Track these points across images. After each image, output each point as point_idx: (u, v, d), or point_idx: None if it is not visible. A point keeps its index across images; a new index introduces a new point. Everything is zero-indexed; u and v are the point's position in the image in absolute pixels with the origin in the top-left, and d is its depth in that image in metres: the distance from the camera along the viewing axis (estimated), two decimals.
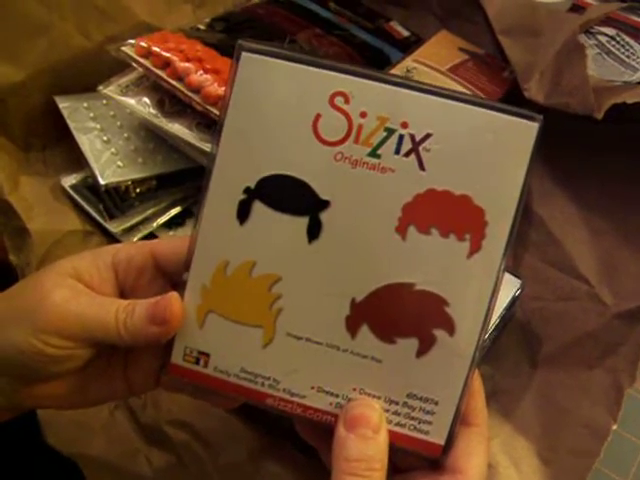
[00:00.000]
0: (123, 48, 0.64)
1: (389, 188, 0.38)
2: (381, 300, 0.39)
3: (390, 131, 0.38)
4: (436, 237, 0.38)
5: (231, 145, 0.40)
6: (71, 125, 0.66)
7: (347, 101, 0.38)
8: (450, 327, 0.39)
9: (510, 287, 0.58)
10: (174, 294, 0.40)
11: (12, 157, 0.66)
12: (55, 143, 0.69)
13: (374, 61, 0.73)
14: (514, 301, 0.58)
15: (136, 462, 0.53)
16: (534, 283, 0.61)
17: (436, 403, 0.39)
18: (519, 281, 0.58)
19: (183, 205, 0.65)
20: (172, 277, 0.43)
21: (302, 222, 0.39)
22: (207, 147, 0.60)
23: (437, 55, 0.72)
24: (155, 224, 0.64)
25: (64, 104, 0.67)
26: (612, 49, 0.76)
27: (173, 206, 0.65)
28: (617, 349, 0.56)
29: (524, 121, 0.37)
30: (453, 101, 0.38)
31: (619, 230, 0.64)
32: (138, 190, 0.63)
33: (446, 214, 0.38)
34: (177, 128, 0.62)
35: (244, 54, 0.39)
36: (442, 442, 0.39)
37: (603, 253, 0.63)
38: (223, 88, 0.60)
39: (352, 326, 0.40)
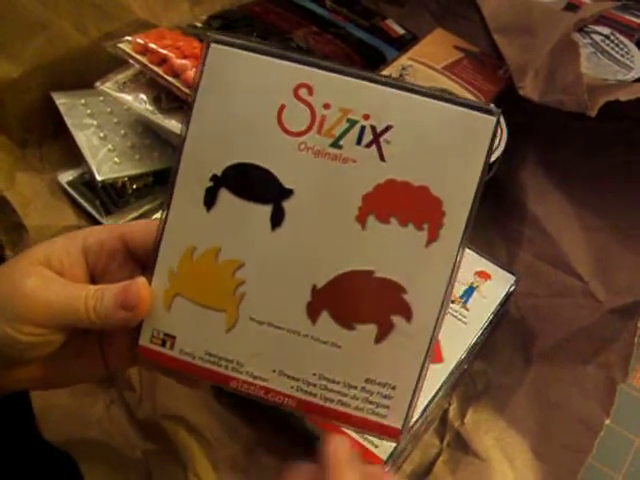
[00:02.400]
0: (120, 45, 0.64)
1: (350, 178, 0.39)
2: (341, 287, 0.40)
3: (352, 122, 0.39)
4: (395, 226, 0.39)
5: (199, 132, 0.41)
6: (68, 121, 0.66)
7: (310, 93, 0.40)
8: (407, 313, 0.40)
9: (504, 283, 0.59)
10: (142, 279, 0.40)
11: (9, 153, 0.66)
12: (52, 139, 0.69)
13: (370, 59, 0.73)
14: (508, 297, 0.58)
15: (132, 456, 0.53)
16: (528, 279, 0.62)
17: (393, 388, 0.40)
18: (513, 277, 0.59)
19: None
20: (142, 261, 0.43)
21: (266, 210, 0.40)
22: None
23: (433, 53, 0.73)
24: None
25: (61, 100, 0.68)
26: (606, 48, 0.76)
27: None
28: (610, 345, 0.57)
29: (482, 115, 0.39)
30: (414, 94, 0.39)
31: (612, 227, 0.64)
32: (135, 186, 0.64)
33: (405, 204, 0.39)
34: (173, 124, 0.62)
35: (212, 45, 0.40)
36: (399, 425, 0.40)
37: (597, 250, 0.64)
38: None
39: (313, 312, 0.40)
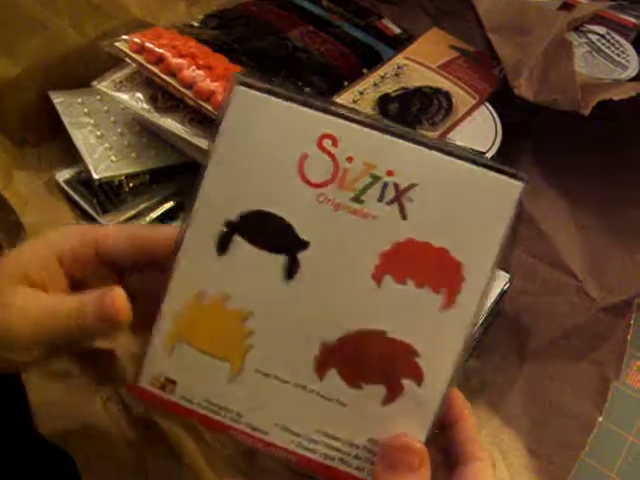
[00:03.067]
0: (117, 44, 0.64)
1: (369, 234, 0.38)
2: (351, 345, 0.39)
3: (375, 178, 0.38)
4: (411, 287, 0.38)
5: (217, 175, 0.40)
6: (65, 120, 0.66)
7: (335, 144, 0.38)
8: (419, 378, 0.39)
9: (498, 281, 0.59)
10: (117, 289, 0.40)
11: (6, 152, 0.66)
12: (49, 138, 0.69)
13: (366, 58, 0.73)
14: (502, 295, 0.58)
15: (128, 454, 0.53)
16: (522, 277, 0.62)
17: None
18: (507, 275, 0.59)
19: (176, 200, 0.66)
20: (117, 266, 0.43)
21: (280, 260, 0.39)
22: (199, 142, 0.61)
23: (428, 52, 0.73)
24: (148, 218, 0.65)
25: (58, 99, 0.68)
26: (602, 47, 0.76)
27: (166, 201, 0.66)
28: (603, 343, 0.57)
29: (508, 179, 0.38)
30: (441, 153, 0.38)
31: (606, 226, 0.65)
32: (131, 185, 0.64)
33: (423, 265, 0.38)
34: (170, 123, 0.62)
35: (237, 87, 0.39)
36: None
37: (591, 248, 0.64)
38: (215, 84, 0.61)
39: (320, 368, 0.39)
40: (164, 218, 0.65)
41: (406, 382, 0.39)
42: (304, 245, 0.39)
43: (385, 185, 0.38)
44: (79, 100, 0.68)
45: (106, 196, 0.63)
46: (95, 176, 0.62)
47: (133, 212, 0.64)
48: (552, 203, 0.67)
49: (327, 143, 0.39)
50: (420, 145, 0.38)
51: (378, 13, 0.83)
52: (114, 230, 0.44)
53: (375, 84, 0.67)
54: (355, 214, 0.38)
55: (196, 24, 0.71)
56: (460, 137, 0.66)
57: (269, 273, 0.39)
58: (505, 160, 0.68)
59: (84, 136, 0.65)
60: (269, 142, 0.39)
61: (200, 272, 0.40)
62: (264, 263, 0.39)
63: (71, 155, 0.66)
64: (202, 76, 0.61)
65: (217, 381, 0.40)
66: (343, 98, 0.65)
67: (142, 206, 0.65)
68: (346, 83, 0.68)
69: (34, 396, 0.53)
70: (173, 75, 0.62)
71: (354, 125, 0.38)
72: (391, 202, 0.38)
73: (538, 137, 0.71)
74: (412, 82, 0.69)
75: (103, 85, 0.64)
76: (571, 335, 0.59)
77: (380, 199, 0.38)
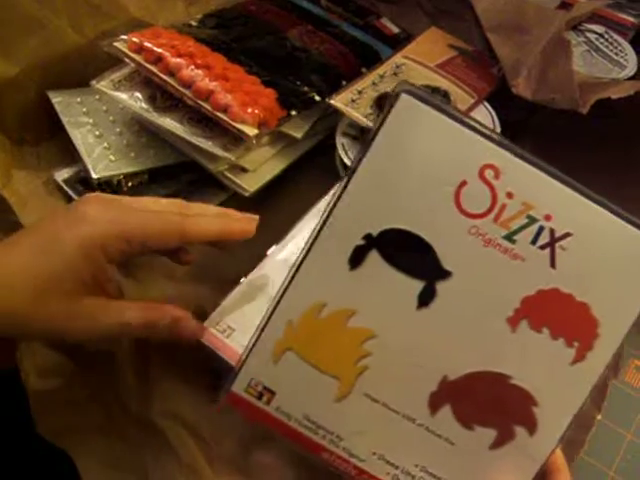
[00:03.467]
0: (116, 44, 0.64)
1: (515, 276, 0.37)
2: (473, 384, 0.38)
3: (532, 220, 0.37)
4: (546, 337, 0.38)
5: (364, 184, 0.38)
6: (64, 120, 0.66)
7: (497, 177, 0.37)
8: (532, 427, 0.38)
9: None
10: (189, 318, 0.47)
11: (5, 151, 0.66)
12: (48, 137, 0.69)
13: (364, 57, 0.74)
14: None
15: (128, 453, 0.53)
16: None
17: None
18: None
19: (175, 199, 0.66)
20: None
21: (416, 286, 0.38)
22: (198, 141, 0.61)
23: (426, 51, 0.73)
24: None
25: (57, 99, 0.68)
26: (601, 46, 0.76)
27: None
28: None
29: None
30: (603, 209, 0.38)
31: None
32: (130, 184, 0.64)
33: (562, 317, 0.38)
34: (169, 122, 0.62)
35: (403, 95, 0.36)
36: None
37: None
38: (214, 83, 0.61)
39: (435, 403, 0.39)
40: None
41: (518, 429, 0.38)
42: (446, 275, 0.38)
43: (541, 229, 0.37)
44: (78, 100, 0.68)
45: None
46: (94, 175, 0.62)
47: None
48: None
49: (489, 174, 0.37)
50: (584, 196, 0.37)
51: (377, 12, 0.83)
52: (139, 217, 0.46)
53: (374, 83, 0.67)
54: (505, 253, 0.37)
55: (195, 24, 0.71)
56: None
57: (402, 297, 0.38)
58: None
59: (83, 135, 0.65)
60: (428, 161, 0.37)
61: (325, 283, 0.39)
62: (399, 285, 0.38)
63: (70, 155, 0.66)
64: (201, 75, 0.61)
65: (321, 399, 0.39)
66: (342, 97, 0.65)
67: None
68: (345, 82, 0.68)
69: (34, 396, 0.53)
70: (172, 74, 0.62)
71: (520, 161, 0.37)
72: (544, 247, 0.37)
73: (537, 136, 0.71)
74: (411, 81, 0.68)
75: (102, 85, 0.64)
76: None
77: (533, 242, 0.37)
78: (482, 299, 0.38)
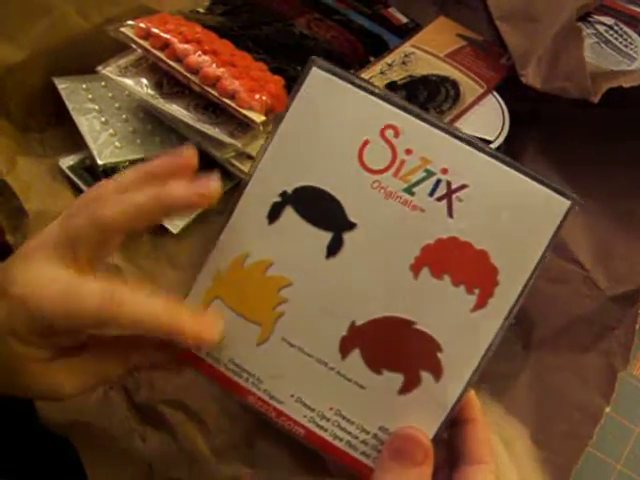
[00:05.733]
0: (122, 29, 0.64)
1: (415, 226, 0.40)
2: (379, 329, 0.40)
3: (429, 173, 0.40)
4: (447, 284, 0.39)
5: (280, 148, 0.42)
6: (69, 106, 0.66)
7: (397, 135, 0.40)
8: (437, 372, 0.39)
9: None
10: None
11: (10, 138, 0.66)
12: (53, 124, 0.69)
13: (372, 46, 0.73)
14: None
15: (131, 442, 0.53)
16: None
17: None
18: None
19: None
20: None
21: (325, 237, 0.41)
22: (204, 128, 0.61)
23: (435, 41, 0.73)
24: None
25: (63, 85, 0.67)
26: (610, 38, 0.76)
27: None
28: (611, 332, 0.56)
29: (558, 196, 0.39)
30: (497, 161, 0.39)
31: (614, 215, 0.64)
32: None
33: (462, 265, 0.39)
34: (175, 109, 0.62)
35: (314, 69, 0.41)
36: None
37: (598, 237, 0.63)
38: (221, 69, 0.60)
39: (345, 347, 0.41)
40: None
41: (424, 374, 0.40)
42: (351, 226, 0.40)
43: (438, 182, 0.39)
44: (84, 86, 0.68)
45: None
46: (99, 162, 0.62)
47: None
48: None
49: (389, 133, 0.40)
50: (478, 150, 0.39)
51: (384, 1, 0.82)
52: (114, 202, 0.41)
53: (382, 72, 0.67)
54: (405, 204, 0.40)
55: (202, 10, 0.71)
56: (467, 126, 0.65)
57: (313, 247, 0.41)
58: (512, 149, 0.68)
59: (88, 122, 0.65)
60: (335, 124, 0.41)
61: (248, 236, 0.42)
62: (310, 237, 0.41)
63: (75, 141, 0.66)
64: (208, 61, 0.61)
65: (245, 343, 0.42)
66: None
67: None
68: (352, 71, 0.68)
69: None
70: (179, 60, 0.62)
71: (419, 121, 0.40)
72: (441, 198, 0.39)
73: (546, 126, 0.71)
74: (419, 70, 0.68)
75: (108, 70, 0.64)
76: (578, 325, 0.59)
77: (431, 194, 0.40)
78: (385, 248, 0.40)
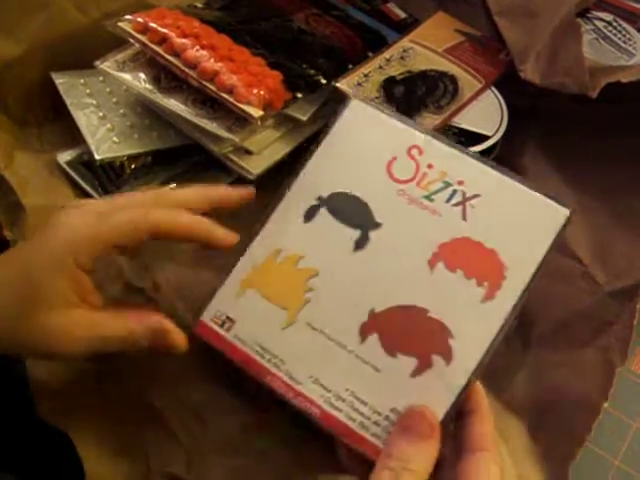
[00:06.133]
0: (120, 24, 0.64)
1: (433, 227, 0.46)
2: (396, 316, 0.45)
3: (447, 184, 0.47)
4: (459, 277, 0.45)
5: (320, 161, 0.50)
6: (67, 101, 0.66)
7: (420, 154, 0.48)
8: (448, 356, 0.43)
9: None
10: (169, 326, 0.47)
11: (8, 132, 0.66)
12: (51, 119, 0.69)
13: (371, 42, 0.73)
14: None
15: (127, 435, 0.53)
16: None
17: None
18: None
19: (178, 181, 0.65)
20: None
21: (354, 234, 0.47)
22: (202, 123, 0.61)
23: (434, 36, 0.73)
24: None
25: (61, 80, 0.67)
26: (609, 34, 0.76)
27: (168, 182, 0.65)
28: (609, 328, 0.56)
29: (557, 205, 0.46)
30: (506, 176, 0.47)
31: (612, 210, 0.64)
32: (133, 166, 0.63)
33: (473, 261, 0.45)
34: (173, 104, 0.62)
35: (353, 100, 0.51)
36: None
37: (596, 233, 0.63)
38: (219, 64, 0.60)
39: (364, 332, 0.45)
40: None
41: (436, 358, 0.44)
42: (377, 225, 0.47)
43: (454, 191, 0.47)
44: (81, 81, 0.68)
45: (107, 177, 0.63)
46: (97, 157, 0.62)
47: None
48: (558, 188, 0.67)
49: (414, 152, 0.48)
50: (490, 167, 0.47)
51: None
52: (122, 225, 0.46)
53: (380, 67, 0.67)
54: (425, 209, 0.47)
55: (200, 5, 0.71)
56: (466, 121, 0.65)
57: (342, 242, 0.47)
58: (511, 145, 0.68)
59: (86, 117, 0.65)
60: (369, 144, 0.49)
61: (284, 233, 0.48)
62: (340, 233, 0.47)
63: (73, 136, 0.66)
64: (206, 56, 0.61)
65: (272, 326, 0.46)
66: (348, 80, 0.64)
67: (144, 188, 0.64)
68: (351, 66, 0.68)
69: (34, 377, 0.53)
70: (177, 55, 0.62)
71: (440, 143, 0.48)
72: (456, 205, 0.46)
73: (544, 122, 0.71)
74: (417, 65, 0.68)
75: (106, 65, 0.64)
76: (576, 320, 0.59)
77: (447, 201, 0.47)
78: (406, 244, 0.46)
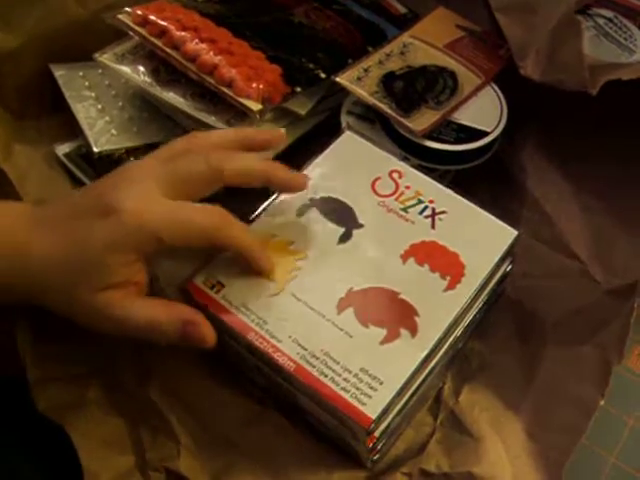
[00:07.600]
0: (119, 16, 0.64)
1: (406, 230, 0.55)
2: (371, 295, 0.52)
3: (420, 201, 0.57)
4: (426, 270, 0.53)
5: (314, 170, 0.58)
6: (66, 93, 0.66)
7: (400, 177, 0.58)
8: (414, 330, 0.50)
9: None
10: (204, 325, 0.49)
11: (6, 125, 0.66)
12: (50, 111, 0.69)
13: (371, 36, 0.73)
14: (505, 277, 0.58)
15: (124, 431, 0.53)
16: (526, 260, 0.61)
17: (381, 383, 0.47)
18: (509, 257, 0.58)
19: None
20: None
21: (339, 230, 0.55)
22: (201, 116, 0.61)
23: (434, 31, 0.72)
24: None
25: (59, 72, 0.67)
26: (609, 31, 0.76)
27: None
28: (606, 326, 0.56)
29: (507, 227, 0.56)
30: (467, 201, 0.57)
31: (611, 208, 0.64)
32: (132, 159, 0.63)
33: (439, 259, 0.54)
34: (172, 97, 0.62)
35: (347, 132, 0.61)
36: (374, 416, 0.46)
37: (595, 231, 0.63)
38: (219, 57, 0.60)
39: (341, 305, 0.51)
40: None
41: (403, 331, 0.50)
42: (359, 226, 0.55)
43: (426, 207, 0.56)
44: (80, 73, 0.68)
45: (106, 170, 0.62)
46: (95, 149, 0.62)
47: None
48: (556, 185, 0.67)
49: (395, 175, 0.58)
50: (456, 193, 0.57)
51: None
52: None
53: (380, 62, 0.67)
54: (400, 218, 0.56)
55: None
56: (465, 117, 0.65)
57: (328, 236, 0.55)
58: (511, 141, 0.68)
59: (85, 109, 0.65)
60: (358, 164, 0.59)
61: (278, 223, 0.55)
62: (327, 229, 0.55)
63: (71, 129, 0.66)
64: (205, 49, 0.61)
65: (260, 294, 0.51)
66: (347, 75, 0.64)
67: None
68: (351, 61, 0.68)
69: (32, 372, 0.53)
70: (176, 48, 0.62)
71: (416, 171, 0.59)
72: (427, 217, 0.56)
73: (544, 119, 0.70)
74: (417, 61, 0.68)
75: (105, 57, 0.64)
76: (574, 318, 0.59)
77: (420, 213, 0.56)
78: (383, 242, 0.54)
